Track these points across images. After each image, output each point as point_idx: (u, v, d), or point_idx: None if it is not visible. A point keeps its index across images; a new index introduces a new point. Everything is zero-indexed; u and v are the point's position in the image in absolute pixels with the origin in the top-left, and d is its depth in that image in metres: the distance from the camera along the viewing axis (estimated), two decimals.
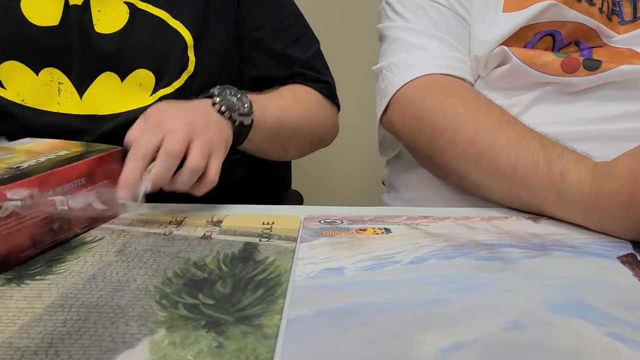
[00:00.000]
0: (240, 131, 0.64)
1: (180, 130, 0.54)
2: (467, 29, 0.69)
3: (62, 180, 0.50)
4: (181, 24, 0.73)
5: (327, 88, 0.83)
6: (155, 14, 0.73)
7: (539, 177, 0.54)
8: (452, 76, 0.67)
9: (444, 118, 0.62)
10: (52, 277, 0.44)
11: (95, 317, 0.39)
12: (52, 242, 0.50)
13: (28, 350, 0.35)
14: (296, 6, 0.85)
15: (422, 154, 0.68)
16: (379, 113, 0.71)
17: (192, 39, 0.73)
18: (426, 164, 0.69)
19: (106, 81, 0.71)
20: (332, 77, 0.86)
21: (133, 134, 0.55)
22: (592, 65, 0.63)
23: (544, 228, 0.54)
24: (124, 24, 0.71)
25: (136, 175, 0.53)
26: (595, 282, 0.43)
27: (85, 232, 0.54)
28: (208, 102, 0.62)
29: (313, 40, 0.85)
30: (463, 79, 0.68)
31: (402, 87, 0.67)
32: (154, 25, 0.72)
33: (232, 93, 0.63)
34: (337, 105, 0.87)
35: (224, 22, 0.77)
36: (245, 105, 0.64)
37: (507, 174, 0.57)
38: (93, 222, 0.55)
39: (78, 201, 0.52)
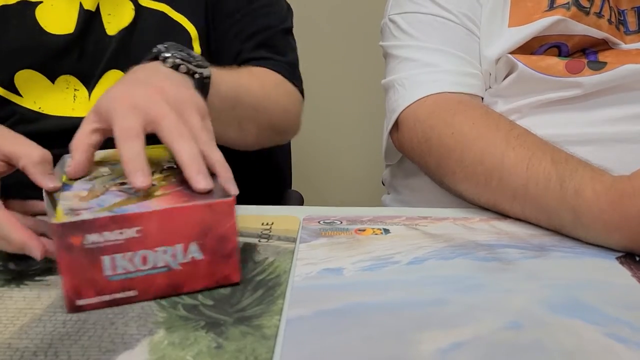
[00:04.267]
0: (202, 87, 0.56)
1: (163, 107, 0.45)
2: (478, 43, 0.68)
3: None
4: (184, 17, 0.72)
5: (286, 68, 0.75)
6: (158, 8, 0.72)
7: (552, 195, 0.51)
8: (463, 93, 0.65)
9: (451, 137, 0.61)
10: (52, 278, 0.44)
11: (94, 317, 0.39)
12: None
13: (27, 350, 0.35)
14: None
15: (433, 177, 0.66)
16: (388, 127, 0.70)
17: (196, 32, 0.72)
18: (440, 186, 0.66)
19: (113, 79, 0.70)
20: (296, 57, 0.78)
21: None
22: (597, 66, 0.62)
23: (543, 229, 0.53)
24: (129, 22, 0.71)
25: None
26: (594, 283, 0.43)
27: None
28: (157, 63, 0.55)
29: (284, 19, 0.78)
30: (475, 95, 0.67)
31: (411, 104, 0.66)
32: (157, 21, 0.72)
33: (179, 48, 0.56)
34: (300, 90, 0.78)
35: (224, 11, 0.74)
36: (197, 58, 0.56)
37: (518, 192, 0.54)
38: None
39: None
